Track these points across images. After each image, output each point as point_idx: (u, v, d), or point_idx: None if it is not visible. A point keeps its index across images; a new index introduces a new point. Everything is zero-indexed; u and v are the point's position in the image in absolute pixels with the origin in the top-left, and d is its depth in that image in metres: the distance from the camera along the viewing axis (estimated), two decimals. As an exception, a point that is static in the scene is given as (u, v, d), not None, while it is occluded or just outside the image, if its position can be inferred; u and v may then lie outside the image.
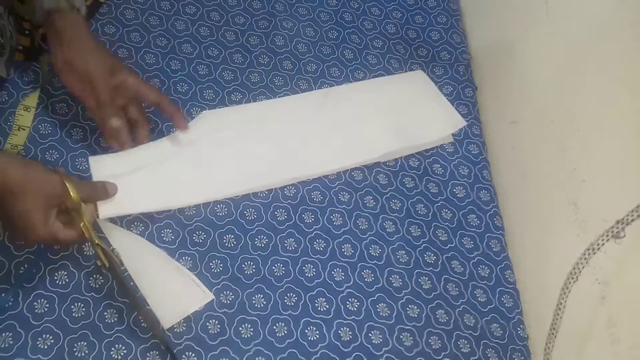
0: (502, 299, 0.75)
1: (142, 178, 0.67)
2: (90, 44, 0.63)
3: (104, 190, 0.62)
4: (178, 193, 0.69)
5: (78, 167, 0.69)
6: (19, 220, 0.53)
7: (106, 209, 0.64)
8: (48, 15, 0.62)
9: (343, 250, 0.73)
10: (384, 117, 0.82)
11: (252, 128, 0.77)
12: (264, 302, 0.67)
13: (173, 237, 0.68)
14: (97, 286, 0.63)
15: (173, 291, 0.65)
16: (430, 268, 0.74)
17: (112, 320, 0.62)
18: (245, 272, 0.68)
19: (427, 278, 0.73)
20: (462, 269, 0.75)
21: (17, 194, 0.52)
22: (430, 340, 0.70)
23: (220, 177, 0.72)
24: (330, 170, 0.77)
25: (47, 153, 0.69)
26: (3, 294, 0.61)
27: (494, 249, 0.78)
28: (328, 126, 0.79)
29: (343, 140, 0.79)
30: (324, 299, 0.69)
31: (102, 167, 0.66)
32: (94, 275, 0.64)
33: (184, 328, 0.64)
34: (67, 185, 0.55)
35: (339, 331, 0.68)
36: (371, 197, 0.77)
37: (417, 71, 0.89)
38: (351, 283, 0.71)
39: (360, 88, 0.85)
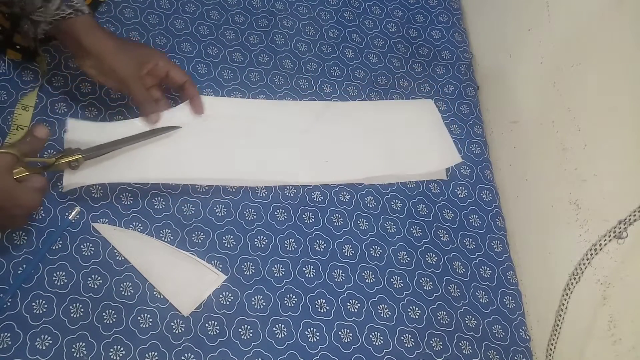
0: (504, 300, 0.74)
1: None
2: (110, 46, 0.64)
3: (36, 140, 0.59)
4: (146, 168, 0.68)
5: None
6: (8, 203, 0.54)
7: (70, 179, 0.63)
8: (56, 27, 0.62)
9: (343, 250, 0.72)
10: (379, 141, 0.80)
11: (241, 123, 0.76)
12: (264, 303, 0.67)
13: (172, 238, 0.68)
14: (96, 287, 0.63)
15: (185, 279, 0.66)
16: (432, 269, 0.74)
17: (111, 321, 0.62)
18: (245, 273, 0.68)
19: (428, 279, 0.73)
20: (463, 270, 0.75)
21: None
22: (431, 342, 0.69)
23: (193, 162, 0.71)
24: (309, 182, 0.75)
25: (45, 152, 0.68)
26: (1, 295, 0.60)
27: (495, 250, 0.78)
28: (320, 139, 0.78)
29: (330, 156, 0.77)
30: (324, 300, 0.69)
31: (78, 130, 0.65)
32: (93, 276, 0.63)
33: (182, 329, 0.63)
34: (6, 152, 0.55)
35: (340, 333, 0.67)
36: (372, 198, 0.77)
37: (427, 100, 0.86)
38: (352, 284, 0.71)
39: (364, 107, 0.83)
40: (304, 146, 0.77)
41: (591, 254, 0.66)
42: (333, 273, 0.71)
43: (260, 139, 0.75)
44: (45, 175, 0.61)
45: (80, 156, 0.62)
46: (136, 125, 0.69)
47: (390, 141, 0.80)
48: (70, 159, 0.62)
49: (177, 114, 0.72)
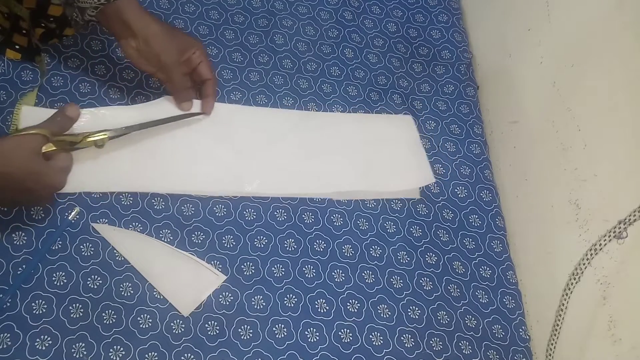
0: (504, 300, 0.74)
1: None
2: (158, 31, 0.65)
3: (67, 119, 0.61)
4: (118, 178, 0.68)
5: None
6: (35, 184, 0.56)
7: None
8: (101, 12, 0.63)
9: (343, 250, 0.72)
10: (353, 156, 0.78)
11: (214, 128, 0.74)
12: (264, 304, 0.67)
13: (172, 238, 0.68)
14: (96, 287, 0.63)
15: (185, 279, 0.66)
16: (432, 269, 0.74)
17: (111, 322, 0.62)
18: (245, 273, 0.68)
19: (428, 279, 0.73)
20: (463, 269, 0.75)
21: (11, 173, 0.54)
22: (431, 342, 0.69)
23: (160, 170, 0.70)
24: (277, 194, 0.73)
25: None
26: (1, 295, 0.60)
27: (495, 250, 0.78)
28: (291, 150, 0.76)
29: (300, 168, 0.75)
30: (324, 300, 0.69)
31: (31, 118, 0.65)
32: (93, 276, 0.63)
33: (182, 329, 0.63)
34: (38, 133, 0.56)
35: (339, 333, 0.67)
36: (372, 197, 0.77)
37: (406, 116, 0.84)
38: (352, 284, 0.71)
39: (340, 121, 0.81)
40: (274, 156, 0.75)
41: (591, 254, 0.66)
42: (333, 273, 0.71)
43: (231, 146, 0.74)
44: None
45: (106, 136, 0.64)
46: (102, 119, 0.68)
47: (364, 157, 0.78)
48: (96, 137, 0.63)
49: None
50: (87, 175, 0.66)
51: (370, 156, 0.79)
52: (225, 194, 0.72)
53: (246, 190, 0.72)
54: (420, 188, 0.79)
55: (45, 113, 0.65)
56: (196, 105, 0.73)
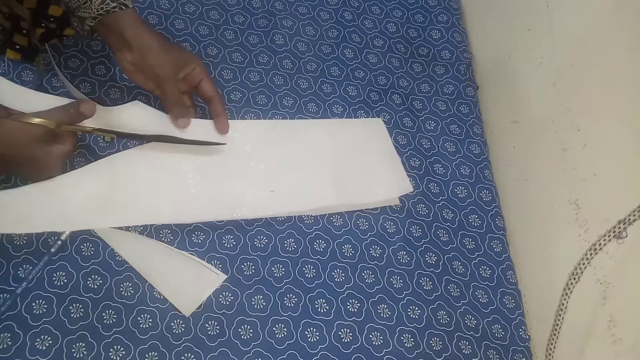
0: (504, 299, 0.74)
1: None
2: (154, 43, 0.64)
3: (79, 114, 0.59)
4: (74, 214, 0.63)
5: (75, 165, 0.69)
6: (29, 168, 0.58)
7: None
8: (100, 22, 0.62)
9: (343, 250, 0.72)
10: (327, 167, 0.75)
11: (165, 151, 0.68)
12: (264, 303, 0.67)
13: (172, 238, 0.68)
14: (96, 287, 0.63)
15: (186, 279, 0.66)
16: (431, 269, 0.74)
17: (111, 321, 0.62)
18: (245, 272, 0.68)
19: (428, 279, 0.73)
20: (463, 269, 0.75)
21: (9, 157, 0.55)
22: (431, 342, 0.69)
23: (121, 202, 0.65)
24: (252, 216, 0.70)
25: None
26: (1, 295, 0.60)
27: (495, 250, 0.78)
28: (265, 165, 0.72)
29: (277, 185, 0.71)
30: (324, 300, 0.69)
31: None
32: (93, 276, 0.63)
33: (182, 329, 0.63)
34: (38, 123, 0.56)
35: (339, 332, 0.67)
36: (372, 197, 0.77)
37: (376, 119, 0.82)
38: (351, 284, 0.71)
39: (307, 129, 0.78)
40: (248, 174, 0.71)
41: (591, 254, 0.66)
42: (333, 273, 0.71)
43: (192, 164, 0.69)
44: (79, 135, 0.62)
45: (115, 136, 0.62)
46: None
47: (337, 169, 0.75)
48: (103, 134, 0.62)
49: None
50: (46, 213, 0.61)
51: (343, 168, 0.75)
52: (193, 221, 0.68)
53: (218, 217, 0.69)
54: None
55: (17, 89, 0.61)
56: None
